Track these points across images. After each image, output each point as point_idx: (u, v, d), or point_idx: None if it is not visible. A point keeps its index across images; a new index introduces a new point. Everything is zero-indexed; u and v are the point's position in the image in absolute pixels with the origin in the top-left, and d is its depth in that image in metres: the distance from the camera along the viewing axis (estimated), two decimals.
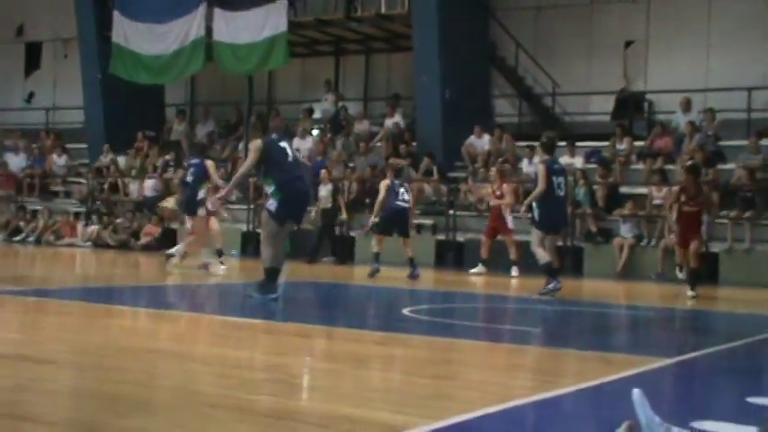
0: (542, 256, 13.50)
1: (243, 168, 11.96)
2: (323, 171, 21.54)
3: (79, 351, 7.12)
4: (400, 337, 8.95)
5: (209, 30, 25.87)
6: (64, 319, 9.58)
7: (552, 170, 13.57)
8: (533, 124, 24.73)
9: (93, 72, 28.28)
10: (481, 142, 23.25)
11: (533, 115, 25.30)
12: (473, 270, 18.59)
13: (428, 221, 21.98)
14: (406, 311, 11.10)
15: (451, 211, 21.76)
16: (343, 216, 21.32)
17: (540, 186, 13.51)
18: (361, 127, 25.50)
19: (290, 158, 11.48)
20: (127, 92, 27.42)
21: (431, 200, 22.72)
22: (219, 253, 16.51)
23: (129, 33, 27.04)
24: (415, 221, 21.71)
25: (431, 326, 10.20)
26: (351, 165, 23.98)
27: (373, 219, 17.08)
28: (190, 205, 16.12)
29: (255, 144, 11.35)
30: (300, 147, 24.56)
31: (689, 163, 15.98)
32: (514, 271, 18.22)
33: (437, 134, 23.45)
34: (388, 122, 24.86)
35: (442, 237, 21.66)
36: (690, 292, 14.13)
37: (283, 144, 11.64)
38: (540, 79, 25.20)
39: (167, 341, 8.23)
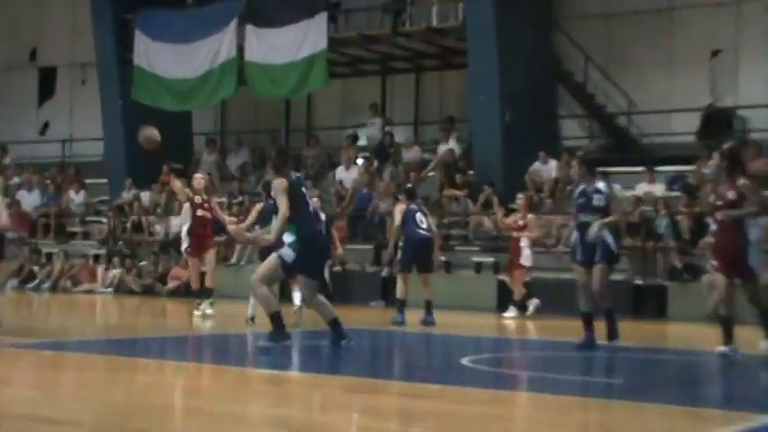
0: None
1: (281, 219, 11.47)
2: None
3: (101, 411, 7.13)
4: (459, 391, 8.89)
5: (240, 49, 25.99)
6: (84, 374, 9.62)
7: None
8: (606, 148, 24.56)
9: (114, 99, 28.45)
10: (547, 169, 23.11)
11: (606, 137, 25.14)
12: (505, 314, 18.51)
13: (489, 259, 21.78)
14: (464, 361, 11.03)
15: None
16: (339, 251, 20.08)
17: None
18: (411, 154, 25.43)
19: (311, 207, 11.78)
20: (150, 120, 27.39)
21: (491, 234, 22.56)
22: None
23: (152, 55, 27.24)
24: (475, 259, 21.66)
25: (492, 377, 10.13)
26: (400, 197, 23.90)
27: (390, 251, 16.93)
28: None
29: (282, 184, 11.41)
30: (344, 178, 24.62)
31: None
32: (510, 311, 18.38)
33: (497, 161, 23.29)
34: (442, 149, 24.76)
35: (504, 276, 21.49)
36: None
37: (304, 189, 11.90)
38: (612, 96, 25.06)
39: (198, 398, 8.21)
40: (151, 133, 16.95)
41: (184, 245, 17.46)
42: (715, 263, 13.20)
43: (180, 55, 26.85)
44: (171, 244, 24.87)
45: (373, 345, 14.16)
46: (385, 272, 21.23)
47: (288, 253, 11.30)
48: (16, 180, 29.93)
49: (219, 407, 7.63)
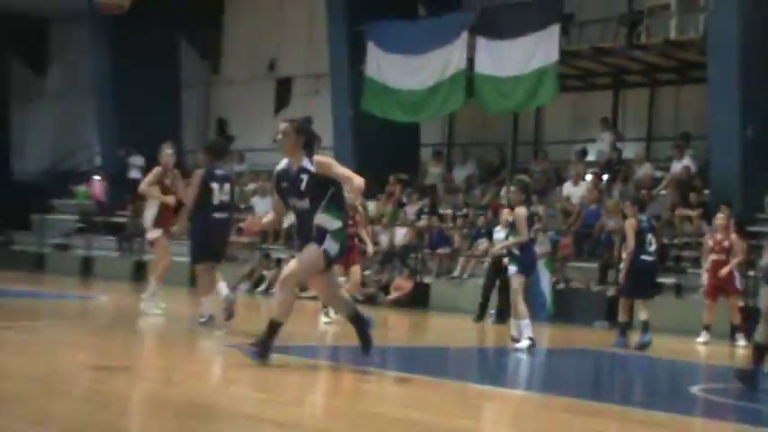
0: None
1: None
2: None
3: (324, 416, 7.18)
4: (687, 421, 8.65)
5: (470, 61, 26.01)
6: (308, 379, 9.74)
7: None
8: None
9: (345, 109, 28.84)
10: None
11: None
12: (699, 339, 17.70)
13: None
14: (694, 390, 10.75)
15: (752, 272, 20.83)
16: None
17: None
18: (643, 171, 25.01)
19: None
20: (379, 131, 27.87)
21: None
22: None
23: (383, 66, 27.51)
24: None
25: (726, 409, 9.79)
26: (626, 207, 23.43)
27: (622, 276, 15.81)
28: None
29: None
30: (571, 193, 24.38)
31: None
32: (740, 340, 17.59)
33: (736, 180, 22.63)
34: (676, 166, 24.28)
35: (742, 302, 20.82)
36: None
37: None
38: None
39: (415, 410, 8.18)
40: None
41: None
42: None
43: (411, 66, 27.04)
44: (396, 254, 25.12)
45: (595, 366, 13.96)
46: (611, 291, 20.87)
47: (332, 245, 9.91)
48: (251, 186, 30.64)
49: (436, 420, 7.60)
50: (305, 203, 9.89)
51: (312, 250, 9.74)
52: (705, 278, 18.29)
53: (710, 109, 23.28)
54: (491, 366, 12.76)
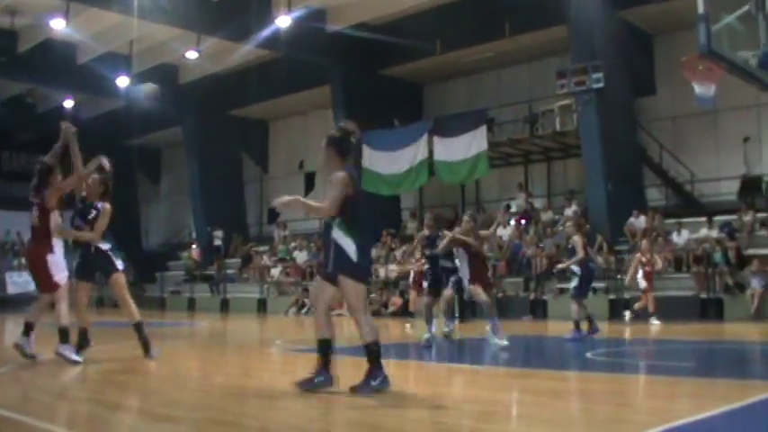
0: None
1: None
2: None
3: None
4: (585, 376, 8.76)
5: (430, 152, 26.24)
6: (346, 370, 9.80)
7: None
8: (677, 205, 24.06)
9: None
10: (638, 222, 22.62)
11: (677, 198, 24.48)
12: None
13: (602, 284, 21.35)
14: (588, 355, 10.85)
15: (619, 276, 21.06)
16: None
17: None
18: (547, 216, 25.21)
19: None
20: (374, 201, 27.94)
21: (602, 267, 22.11)
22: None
23: (373, 160, 27.69)
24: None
25: (607, 365, 9.86)
26: (540, 245, 23.67)
27: (577, 283, 13.53)
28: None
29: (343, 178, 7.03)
30: (502, 234, 24.47)
31: None
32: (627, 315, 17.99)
33: (605, 218, 22.93)
34: (568, 211, 24.49)
35: (612, 296, 21.02)
36: None
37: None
38: (679, 171, 24.41)
39: (406, 383, 8.27)
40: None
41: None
42: None
43: (391, 158, 27.21)
44: (391, 282, 25.15)
45: (527, 346, 13.55)
46: (532, 296, 20.79)
47: (357, 264, 6.76)
48: (293, 244, 30.81)
49: (416, 389, 7.67)
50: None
51: (348, 284, 6.66)
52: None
53: (586, 174, 23.61)
54: (455, 350, 12.80)
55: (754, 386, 7.28)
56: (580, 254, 13.37)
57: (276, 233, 32.70)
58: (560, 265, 15.50)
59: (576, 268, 13.52)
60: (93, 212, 9.25)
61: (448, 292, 12.96)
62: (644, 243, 18.88)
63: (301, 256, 29.71)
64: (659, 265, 18.73)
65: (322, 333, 6.90)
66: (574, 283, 13.63)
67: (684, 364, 9.85)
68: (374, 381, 6.67)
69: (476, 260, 12.18)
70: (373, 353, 6.74)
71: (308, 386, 6.78)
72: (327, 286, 6.89)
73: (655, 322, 17.50)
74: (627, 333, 15.47)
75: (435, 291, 12.65)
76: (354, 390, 6.62)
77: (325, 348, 6.88)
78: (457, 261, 12.30)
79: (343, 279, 6.70)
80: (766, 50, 11.34)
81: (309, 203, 7.31)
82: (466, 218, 12.67)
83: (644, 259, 18.30)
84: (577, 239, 13.47)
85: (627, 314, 18.14)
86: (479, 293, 11.88)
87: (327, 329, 6.91)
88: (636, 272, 18.30)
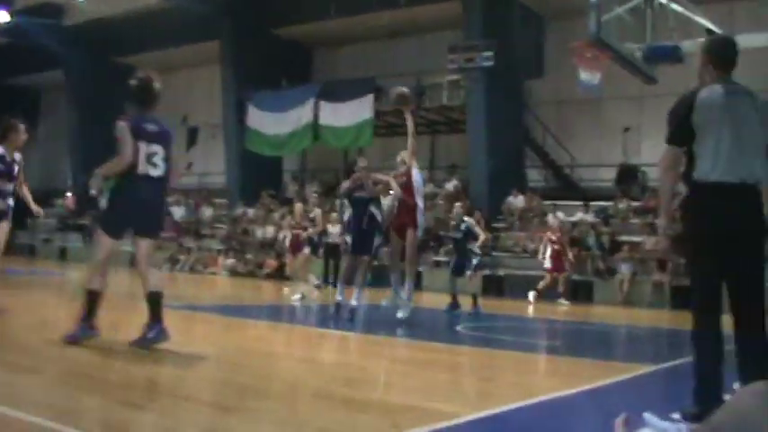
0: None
1: None
2: None
3: (219, 351, 7.19)
4: (454, 348, 8.91)
5: (316, 116, 26.13)
6: (209, 327, 9.70)
7: None
8: (556, 188, 24.67)
9: (234, 147, 28.69)
10: (517, 201, 23.14)
11: (556, 181, 25.14)
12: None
13: (476, 261, 21.63)
14: (458, 328, 11.03)
15: (495, 253, 21.55)
16: None
17: None
18: (427, 189, 25.39)
19: None
20: (256, 162, 27.79)
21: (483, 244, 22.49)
22: None
23: (258, 120, 27.46)
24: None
25: (477, 339, 10.08)
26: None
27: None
28: None
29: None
30: (384, 203, 24.51)
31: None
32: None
33: (485, 195, 23.36)
34: (448, 186, 24.83)
35: (487, 272, 21.43)
36: None
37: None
38: (561, 154, 25.05)
39: (279, 346, 8.28)
40: (401, 91, 12.03)
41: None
42: None
43: (276, 120, 27.00)
44: (268, 243, 24.97)
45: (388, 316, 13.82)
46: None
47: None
48: (171, 199, 30.22)
49: (295, 352, 7.68)
50: None
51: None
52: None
53: (469, 149, 23.92)
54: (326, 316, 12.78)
55: (617, 367, 7.57)
56: (482, 235, 13.93)
57: None
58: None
59: (477, 249, 13.88)
60: None
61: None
62: (554, 222, 19.17)
63: (178, 212, 29.22)
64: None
65: (92, 284, 6.70)
66: (476, 261, 13.81)
67: (553, 343, 10.18)
68: (150, 333, 6.55)
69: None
70: (153, 303, 6.64)
71: (141, 344, 6.52)
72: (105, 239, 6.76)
73: (563, 302, 17.81)
74: (500, 309, 15.86)
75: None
76: (133, 344, 6.51)
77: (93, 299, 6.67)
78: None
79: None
80: (652, 44, 11.81)
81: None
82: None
83: (553, 237, 18.64)
84: (473, 222, 13.97)
85: (531, 294, 18.25)
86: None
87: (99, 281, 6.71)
88: (545, 250, 18.63)
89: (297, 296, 14.33)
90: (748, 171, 4.66)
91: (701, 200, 4.72)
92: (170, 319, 6.91)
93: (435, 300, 15.72)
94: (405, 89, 12.05)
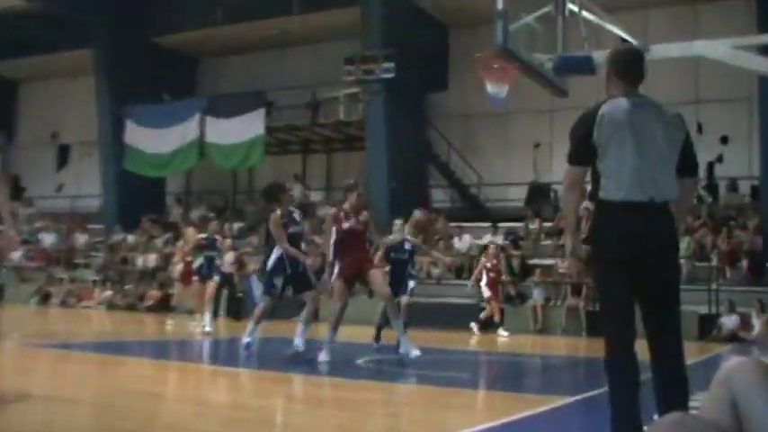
0: None
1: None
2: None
3: (95, 394, 6.99)
4: (358, 384, 8.86)
5: (202, 133, 25.85)
6: (83, 367, 9.42)
7: None
8: (462, 209, 24.86)
9: (110, 167, 28.09)
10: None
11: (462, 202, 25.38)
12: None
13: None
14: (359, 361, 11.00)
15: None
16: None
17: None
18: (325, 210, 25.36)
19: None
20: (136, 183, 27.26)
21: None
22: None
23: (137, 137, 27.03)
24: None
25: (380, 373, 10.04)
26: (317, 240, 23.70)
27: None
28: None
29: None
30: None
31: None
32: None
33: (385, 216, 23.32)
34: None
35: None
36: None
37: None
38: (467, 173, 25.33)
39: (165, 386, 8.10)
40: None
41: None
42: None
43: (158, 137, 26.57)
44: (148, 272, 24.49)
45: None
46: None
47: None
48: (39, 225, 29.56)
49: (182, 393, 7.53)
50: None
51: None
52: None
53: (368, 168, 23.90)
54: (224, 352, 12.59)
55: (533, 399, 7.64)
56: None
57: (20, 211, 31.10)
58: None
59: (414, 272, 13.64)
60: None
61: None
62: (491, 248, 19.01)
63: (48, 239, 28.48)
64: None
65: None
66: (412, 284, 13.32)
67: (462, 375, 10.22)
68: None
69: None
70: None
71: None
72: None
73: (503, 333, 17.68)
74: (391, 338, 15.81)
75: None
76: None
77: None
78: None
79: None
80: (562, 55, 12.03)
81: None
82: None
83: (489, 265, 18.47)
84: (418, 240, 14.48)
85: (474, 325, 18.11)
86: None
87: None
88: (480, 277, 18.59)
89: (206, 325, 14.35)
90: (656, 189, 4.72)
91: (608, 219, 4.77)
92: (40, 359, 6.69)
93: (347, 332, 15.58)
94: None
